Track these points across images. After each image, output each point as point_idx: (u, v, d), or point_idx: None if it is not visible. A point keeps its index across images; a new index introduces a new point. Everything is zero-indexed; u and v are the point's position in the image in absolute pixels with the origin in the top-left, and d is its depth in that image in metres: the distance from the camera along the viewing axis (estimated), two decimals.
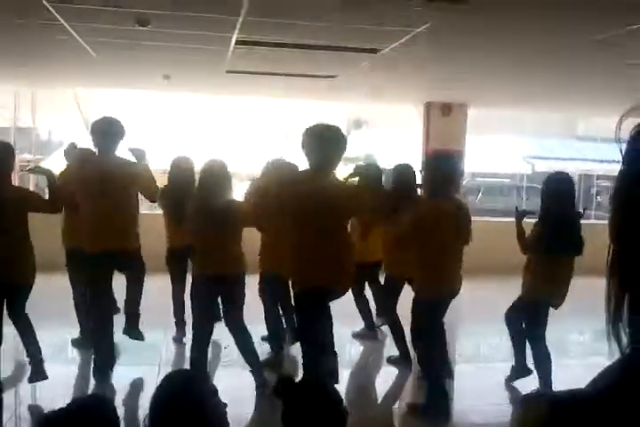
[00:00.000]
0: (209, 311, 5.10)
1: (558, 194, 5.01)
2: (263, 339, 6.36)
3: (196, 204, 5.04)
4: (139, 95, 16.03)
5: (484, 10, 4.52)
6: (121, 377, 5.44)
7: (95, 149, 5.41)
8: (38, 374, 4.99)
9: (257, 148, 20.72)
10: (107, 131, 5.28)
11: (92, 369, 5.34)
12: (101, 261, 5.23)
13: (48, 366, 5.08)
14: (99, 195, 5.14)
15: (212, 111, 21.12)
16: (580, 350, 7.18)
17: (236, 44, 5.97)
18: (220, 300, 5.09)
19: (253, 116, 19.59)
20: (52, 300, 6.41)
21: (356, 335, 6.74)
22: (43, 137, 23.47)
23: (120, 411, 2.31)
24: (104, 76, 8.87)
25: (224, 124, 21.61)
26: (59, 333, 6.62)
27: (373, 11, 4.67)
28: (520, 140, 22.82)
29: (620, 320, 0.82)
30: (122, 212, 5.30)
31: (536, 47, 5.84)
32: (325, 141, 4.30)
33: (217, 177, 4.94)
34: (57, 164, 18.89)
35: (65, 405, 2.10)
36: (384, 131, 19.94)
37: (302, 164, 4.58)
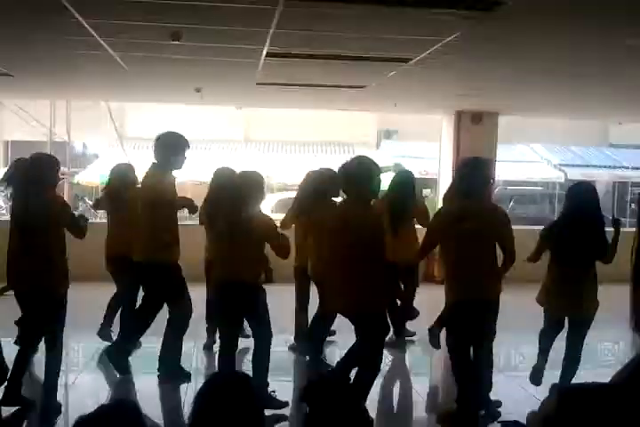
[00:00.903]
0: (231, 320, 5.12)
1: (575, 202, 5.03)
2: (290, 348, 6.41)
3: (223, 214, 5.15)
4: (171, 108, 16.24)
5: (512, 18, 4.51)
6: (152, 385, 5.48)
7: (162, 164, 5.43)
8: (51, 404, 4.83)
9: (289, 159, 20.87)
10: (178, 145, 5.41)
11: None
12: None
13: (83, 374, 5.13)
14: (169, 207, 5.40)
15: (244, 122, 21.32)
16: (614, 360, 7.07)
17: (266, 56, 6.03)
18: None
19: (284, 127, 19.70)
20: (86, 308, 6.55)
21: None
22: (77, 150, 23.87)
23: (150, 419, 2.31)
24: (136, 89, 9.02)
25: (256, 136, 21.79)
26: (89, 340, 6.71)
27: (403, 20, 4.70)
28: (552, 148, 22.65)
29: None
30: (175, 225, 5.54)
31: (566, 54, 5.83)
32: (363, 177, 4.47)
33: (245, 188, 5.00)
34: (91, 176, 19.15)
35: (92, 411, 2.12)
36: (414, 140, 19.92)
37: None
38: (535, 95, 8.55)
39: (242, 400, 2.21)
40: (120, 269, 6.16)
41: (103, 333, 6.45)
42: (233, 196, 5.04)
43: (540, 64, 6.30)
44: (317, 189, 5.96)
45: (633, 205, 22.72)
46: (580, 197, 5.05)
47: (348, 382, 4.03)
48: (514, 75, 7.00)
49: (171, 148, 5.37)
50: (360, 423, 2.42)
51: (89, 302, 6.84)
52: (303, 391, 2.54)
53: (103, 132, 20.28)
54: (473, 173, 4.86)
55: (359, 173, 4.50)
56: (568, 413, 1.35)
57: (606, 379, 0.81)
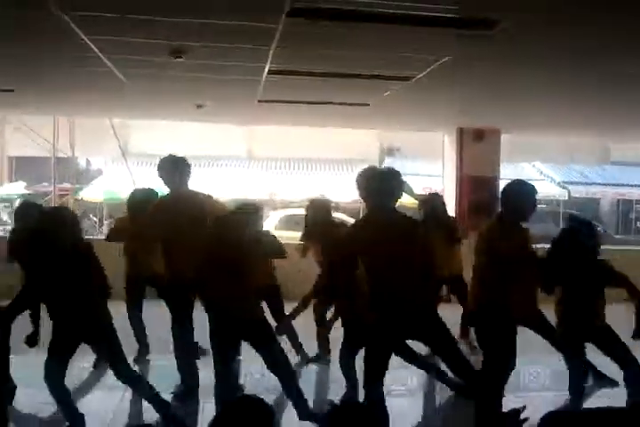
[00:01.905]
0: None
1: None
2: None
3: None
4: (174, 124, 16.27)
5: (512, 37, 4.53)
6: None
7: (167, 187, 5.45)
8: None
9: (291, 176, 20.92)
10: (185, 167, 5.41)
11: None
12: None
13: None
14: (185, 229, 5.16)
15: (247, 139, 21.37)
16: None
17: (268, 73, 6.05)
18: None
19: (287, 144, 19.71)
20: None
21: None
22: (81, 166, 23.92)
23: None
24: (139, 106, 9.05)
25: (259, 153, 21.82)
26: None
27: (405, 39, 4.72)
28: (554, 166, 22.64)
29: None
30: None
31: (565, 74, 5.84)
32: (384, 182, 4.32)
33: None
34: (94, 192, 19.13)
35: None
36: (417, 157, 19.94)
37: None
38: (537, 112, 8.55)
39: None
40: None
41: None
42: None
43: (540, 83, 6.30)
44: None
45: (639, 223, 22.68)
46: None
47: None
48: (514, 93, 7.01)
49: (178, 169, 5.36)
50: None
51: None
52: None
53: (107, 148, 20.31)
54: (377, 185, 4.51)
55: (379, 185, 4.30)
56: None
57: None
